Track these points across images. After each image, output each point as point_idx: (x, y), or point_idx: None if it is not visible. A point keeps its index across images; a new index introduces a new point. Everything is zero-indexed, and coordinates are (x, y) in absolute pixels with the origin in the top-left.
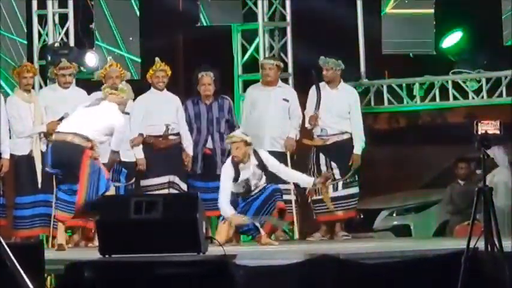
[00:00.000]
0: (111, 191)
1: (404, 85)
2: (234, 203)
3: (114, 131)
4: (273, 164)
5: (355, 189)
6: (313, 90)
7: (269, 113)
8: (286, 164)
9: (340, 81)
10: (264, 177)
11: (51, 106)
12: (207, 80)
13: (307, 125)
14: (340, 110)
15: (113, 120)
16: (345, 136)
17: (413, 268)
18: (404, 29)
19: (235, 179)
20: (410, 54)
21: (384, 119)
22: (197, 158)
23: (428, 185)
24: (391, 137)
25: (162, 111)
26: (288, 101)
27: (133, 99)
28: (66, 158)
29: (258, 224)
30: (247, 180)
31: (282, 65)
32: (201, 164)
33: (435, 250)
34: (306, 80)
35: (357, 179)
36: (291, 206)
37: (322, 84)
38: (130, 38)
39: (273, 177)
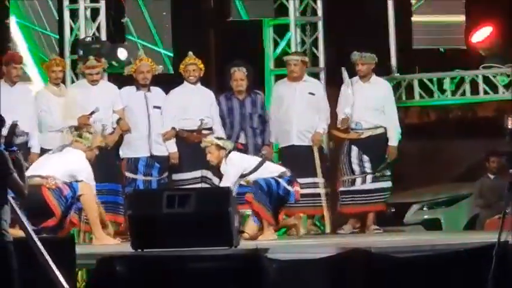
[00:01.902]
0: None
1: (435, 79)
2: None
3: (76, 178)
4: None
5: (386, 184)
6: (344, 87)
7: (296, 108)
8: (314, 159)
9: (372, 75)
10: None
11: (80, 101)
12: (239, 75)
13: (339, 125)
14: (374, 103)
15: (75, 168)
16: (379, 131)
17: (443, 262)
18: (434, 24)
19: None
20: (441, 49)
21: (414, 113)
22: None
23: (459, 178)
24: (422, 131)
25: (196, 106)
26: (314, 94)
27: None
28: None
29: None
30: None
31: (307, 59)
32: None
33: (465, 244)
34: (337, 74)
35: (389, 173)
36: (321, 200)
37: (354, 79)
38: (154, 30)
39: (301, 170)
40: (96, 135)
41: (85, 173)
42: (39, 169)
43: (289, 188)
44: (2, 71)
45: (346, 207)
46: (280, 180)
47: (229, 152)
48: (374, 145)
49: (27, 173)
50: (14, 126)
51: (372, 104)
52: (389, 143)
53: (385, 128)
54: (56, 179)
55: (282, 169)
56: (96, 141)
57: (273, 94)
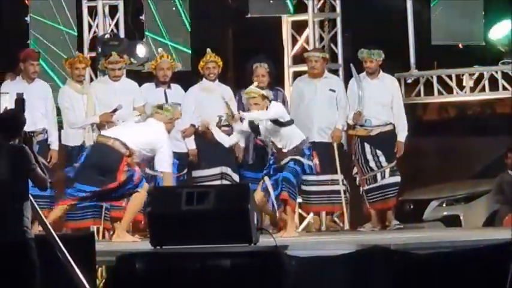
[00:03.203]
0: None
1: (453, 76)
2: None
3: (155, 150)
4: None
5: (398, 178)
6: (352, 84)
7: (316, 104)
8: (334, 155)
9: (380, 71)
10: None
11: (102, 98)
12: (261, 71)
13: (350, 121)
14: (383, 100)
15: (155, 138)
16: (389, 127)
17: (463, 258)
18: (453, 20)
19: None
20: (460, 45)
21: (433, 110)
22: (249, 148)
23: (478, 175)
24: (441, 127)
25: (215, 103)
26: (334, 91)
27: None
28: (103, 161)
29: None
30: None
31: (327, 56)
32: (253, 155)
33: (485, 240)
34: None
35: (397, 168)
36: (340, 197)
37: (362, 76)
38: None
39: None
40: (175, 107)
41: (164, 145)
42: (121, 135)
43: (310, 163)
44: (19, 68)
45: (375, 204)
46: (302, 160)
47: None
48: (385, 141)
49: (106, 133)
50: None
51: (380, 100)
52: (398, 139)
53: (393, 125)
54: (139, 158)
55: (303, 136)
56: (176, 113)
57: (293, 91)
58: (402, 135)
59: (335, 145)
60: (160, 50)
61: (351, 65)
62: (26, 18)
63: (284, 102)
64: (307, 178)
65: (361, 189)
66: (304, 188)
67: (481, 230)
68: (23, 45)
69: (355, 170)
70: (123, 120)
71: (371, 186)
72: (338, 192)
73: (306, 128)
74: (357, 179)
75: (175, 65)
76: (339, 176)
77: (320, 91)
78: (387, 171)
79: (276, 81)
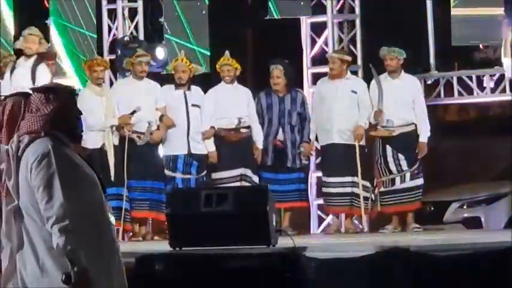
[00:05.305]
0: None
1: (474, 77)
2: None
3: None
4: None
5: (421, 181)
6: (373, 84)
7: (336, 106)
8: (355, 157)
9: (401, 71)
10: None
11: (125, 99)
12: (276, 73)
13: (371, 120)
14: (404, 100)
15: None
16: (411, 128)
17: (484, 260)
18: (474, 20)
19: None
20: (481, 45)
21: (454, 111)
22: (268, 150)
23: (499, 176)
24: (462, 128)
25: (234, 104)
26: (356, 92)
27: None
28: None
29: None
30: None
31: (347, 57)
32: (272, 156)
33: (506, 242)
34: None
35: (421, 170)
36: (359, 200)
37: (383, 76)
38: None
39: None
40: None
41: None
42: None
43: None
44: None
45: (388, 207)
46: None
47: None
48: (407, 142)
49: None
50: None
51: (401, 100)
52: (420, 139)
53: (415, 125)
54: None
55: None
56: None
57: (315, 92)
58: (424, 135)
59: (357, 145)
60: (181, 52)
61: (370, 65)
62: (46, 21)
63: (303, 103)
64: (327, 180)
65: (376, 190)
66: (324, 190)
67: (502, 232)
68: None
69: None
70: (147, 120)
71: (388, 189)
72: (358, 196)
73: (326, 129)
74: (375, 180)
75: (195, 69)
76: (361, 181)
77: (341, 93)
78: (408, 175)
79: (295, 82)
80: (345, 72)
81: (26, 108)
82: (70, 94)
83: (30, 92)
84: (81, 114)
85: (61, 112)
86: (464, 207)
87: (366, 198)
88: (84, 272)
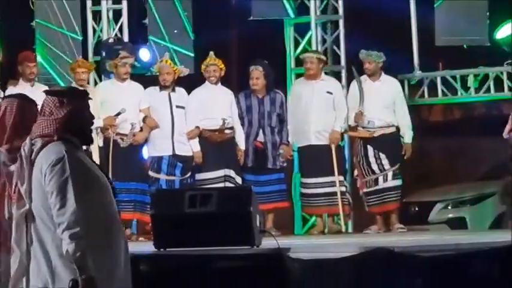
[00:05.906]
0: None
1: (458, 77)
2: None
3: None
4: None
5: (400, 181)
6: (353, 85)
7: (313, 107)
8: (332, 158)
9: (381, 74)
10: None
11: (109, 100)
12: (255, 74)
13: (351, 122)
14: (385, 102)
15: None
16: (391, 130)
17: (468, 261)
18: (457, 20)
19: None
20: (464, 46)
21: (438, 111)
22: (248, 151)
23: (484, 177)
24: (446, 129)
25: (218, 105)
26: (331, 93)
27: (188, 93)
28: None
29: None
30: None
31: (323, 58)
32: (253, 157)
33: (491, 243)
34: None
35: (400, 172)
36: (336, 198)
37: (363, 78)
38: (175, 31)
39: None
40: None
41: None
42: None
43: None
44: (18, 71)
45: (374, 207)
46: None
47: None
48: (388, 143)
49: None
50: None
51: (382, 102)
52: (405, 141)
53: (396, 127)
54: None
55: None
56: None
57: (291, 93)
58: (408, 136)
59: (333, 147)
60: (166, 54)
61: (352, 66)
62: (31, 24)
63: (283, 104)
64: (306, 181)
65: (360, 192)
66: (303, 190)
67: (487, 233)
68: (28, 50)
69: (355, 172)
70: (130, 121)
71: (371, 189)
72: (335, 194)
73: (303, 130)
74: (358, 181)
75: (180, 70)
76: (336, 178)
77: (317, 93)
78: (390, 174)
79: (275, 83)
80: (320, 72)
81: (17, 111)
82: (83, 98)
83: (26, 94)
84: (94, 118)
85: (74, 116)
86: (449, 207)
87: (343, 193)
88: (91, 280)
